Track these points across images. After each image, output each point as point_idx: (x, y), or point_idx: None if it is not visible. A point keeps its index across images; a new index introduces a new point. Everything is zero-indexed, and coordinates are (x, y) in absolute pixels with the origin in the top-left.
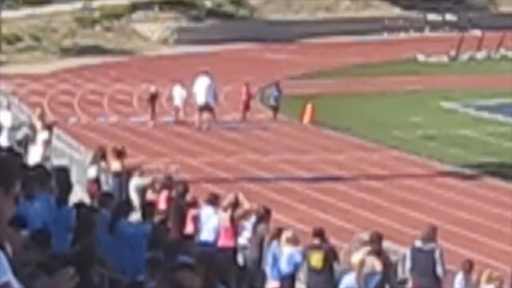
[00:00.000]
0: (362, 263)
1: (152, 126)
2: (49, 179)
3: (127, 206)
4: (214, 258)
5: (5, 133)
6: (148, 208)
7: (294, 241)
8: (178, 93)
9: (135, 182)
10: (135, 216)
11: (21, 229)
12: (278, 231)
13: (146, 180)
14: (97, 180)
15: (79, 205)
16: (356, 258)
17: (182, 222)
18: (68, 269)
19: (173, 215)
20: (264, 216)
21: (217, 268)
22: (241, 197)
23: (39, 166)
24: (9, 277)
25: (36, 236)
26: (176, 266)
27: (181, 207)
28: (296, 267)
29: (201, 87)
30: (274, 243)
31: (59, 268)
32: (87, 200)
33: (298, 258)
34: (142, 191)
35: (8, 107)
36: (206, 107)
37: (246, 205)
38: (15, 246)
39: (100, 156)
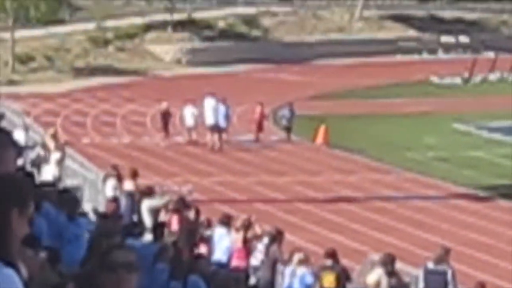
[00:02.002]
0: (377, 285)
1: (163, 143)
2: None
3: (136, 227)
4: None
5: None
6: (159, 228)
7: (306, 261)
8: (190, 113)
9: (147, 203)
10: (148, 237)
11: (38, 251)
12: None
13: (158, 201)
14: (115, 200)
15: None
16: (372, 278)
17: (194, 244)
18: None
19: (184, 236)
20: (276, 237)
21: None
22: (253, 220)
23: (51, 185)
24: None
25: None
26: (109, 248)
27: (193, 228)
28: None
29: (208, 108)
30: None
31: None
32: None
33: (309, 279)
34: (154, 212)
35: (25, 127)
36: (216, 128)
37: (257, 229)
38: (32, 268)
39: (113, 175)
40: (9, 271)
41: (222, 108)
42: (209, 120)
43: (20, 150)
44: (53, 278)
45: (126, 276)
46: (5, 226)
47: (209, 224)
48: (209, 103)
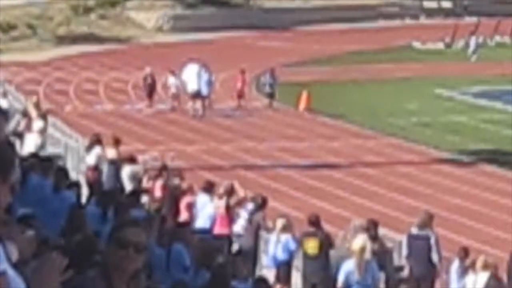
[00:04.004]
0: (362, 250)
1: (147, 111)
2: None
3: (120, 195)
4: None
5: None
6: (136, 195)
7: (288, 228)
8: (173, 83)
9: (127, 170)
10: None
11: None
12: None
13: (138, 167)
14: (96, 167)
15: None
16: (357, 244)
17: (177, 210)
18: (55, 254)
19: (168, 203)
20: (261, 204)
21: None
22: (237, 185)
23: (36, 156)
24: (5, 266)
25: (23, 220)
26: (122, 224)
27: (176, 195)
28: (291, 254)
29: (190, 74)
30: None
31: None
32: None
33: (292, 245)
34: (136, 179)
35: (4, 95)
36: (198, 95)
37: (241, 193)
38: (20, 245)
39: (96, 142)
40: None
41: (204, 75)
42: (191, 86)
43: (6, 116)
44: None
45: (134, 255)
46: None
47: (192, 191)
48: (192, 69)
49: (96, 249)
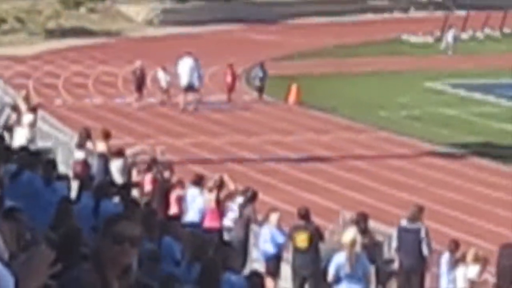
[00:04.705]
0: (353, 243)
1: (136, 104)
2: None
3: (110, 188)
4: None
5: None
6: (126, 188)
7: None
8: (163, 78)
9: (116, 163)
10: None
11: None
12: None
13: (127, 161)
14: (85, 162)
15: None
16: (347, 237)
17: (167, 204)
18: (44, 247)
19: (158, 196)
20: (251, 198)
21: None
22: (226, 178)
23: (24, 149)
24: None
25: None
26: (116, 218)
27: (166, 188)
28: (280, 247)
29: (184, 68)
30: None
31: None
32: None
33: (281, 238)
34: (126, 173)
35: None
36: (190, 88)
37: (231, 186)
38: (5, 237)
39: (85, 137)
40: None
41: (197, 69)
42: (184, 80)
43: None
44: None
45: (129, 250)
46: None
47: (182, 185)
48: (186, 63)
49: (80, 241)
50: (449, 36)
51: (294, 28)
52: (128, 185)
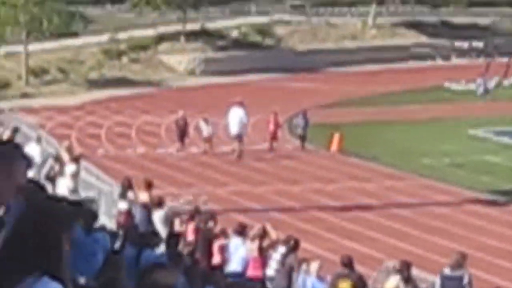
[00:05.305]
0: None
1: (178, 154)
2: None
3: (153, 238)
4: None
5: (34, 168)
6: (173, 239)
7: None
8: (204, 128)
9: (158, 214)
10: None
11: None
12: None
13: (166, 211)
14: (128, 212)
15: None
16: (390, 285)
17: (210, 253)
18: None
19: (201, 246)
20: (294, 247)
21: None
22: (269, 227)
23: (63, 199)
24: None
25: None
26: (150, 268)
27: (208, 238)
28: None
29: (234, 117)
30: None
31: None
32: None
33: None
34: (168, 223)
35: (38, 140)
36: (238, 138)
37: (273, 235)
38: None
39: (128, 187)
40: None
41: (245, 118)
42: (233, 129)
43: (30, 162)
44: None
45: None
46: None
47: (225, 234)
48: (236, 112)
49: None
50: (491, 83)
51: (337, 76)
52: (175, 236)
